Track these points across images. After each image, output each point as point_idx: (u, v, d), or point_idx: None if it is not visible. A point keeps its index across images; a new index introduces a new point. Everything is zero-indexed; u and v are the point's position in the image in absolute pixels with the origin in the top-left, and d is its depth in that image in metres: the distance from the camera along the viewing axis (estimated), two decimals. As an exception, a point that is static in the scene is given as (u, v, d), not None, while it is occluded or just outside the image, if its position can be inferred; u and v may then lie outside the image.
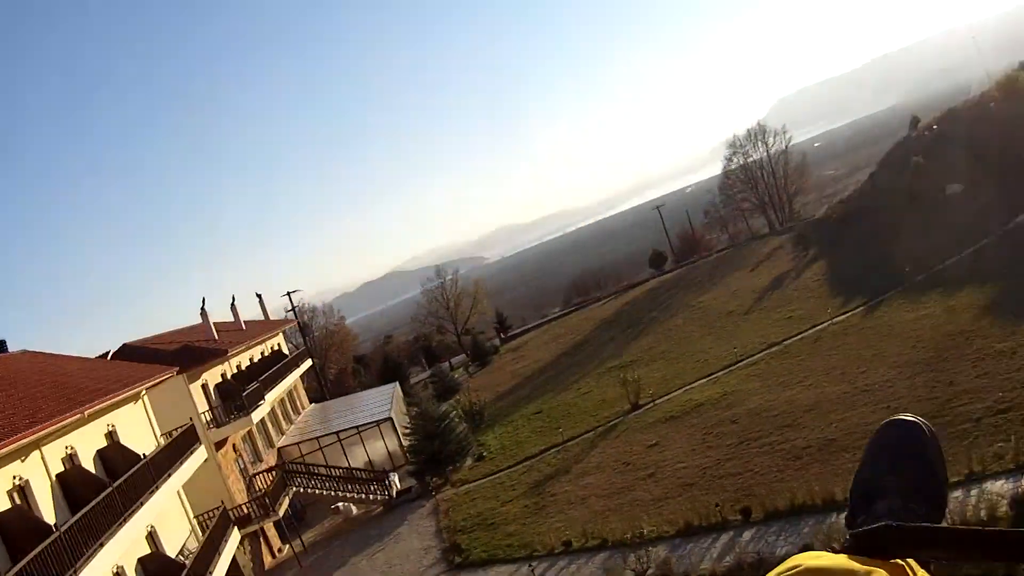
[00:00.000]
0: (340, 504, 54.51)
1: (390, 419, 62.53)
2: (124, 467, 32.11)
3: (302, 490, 55.65)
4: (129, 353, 48.98)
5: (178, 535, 38.80)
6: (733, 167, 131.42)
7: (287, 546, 52.92)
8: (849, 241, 76.52)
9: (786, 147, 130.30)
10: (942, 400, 35.20)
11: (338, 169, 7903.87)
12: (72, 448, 31.03)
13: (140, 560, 32.75)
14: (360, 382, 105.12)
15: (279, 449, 61.62)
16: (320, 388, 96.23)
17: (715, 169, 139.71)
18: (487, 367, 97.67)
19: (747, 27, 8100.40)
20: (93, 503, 27.08)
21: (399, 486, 56.01)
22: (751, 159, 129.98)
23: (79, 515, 25.88)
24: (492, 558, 38.93)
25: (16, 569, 21.58)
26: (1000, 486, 26.84)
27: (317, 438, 62.26)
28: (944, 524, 2.21)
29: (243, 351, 62.38)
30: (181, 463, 37.69)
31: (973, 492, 27.00)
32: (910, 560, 2.04)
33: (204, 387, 52.35)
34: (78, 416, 29.86)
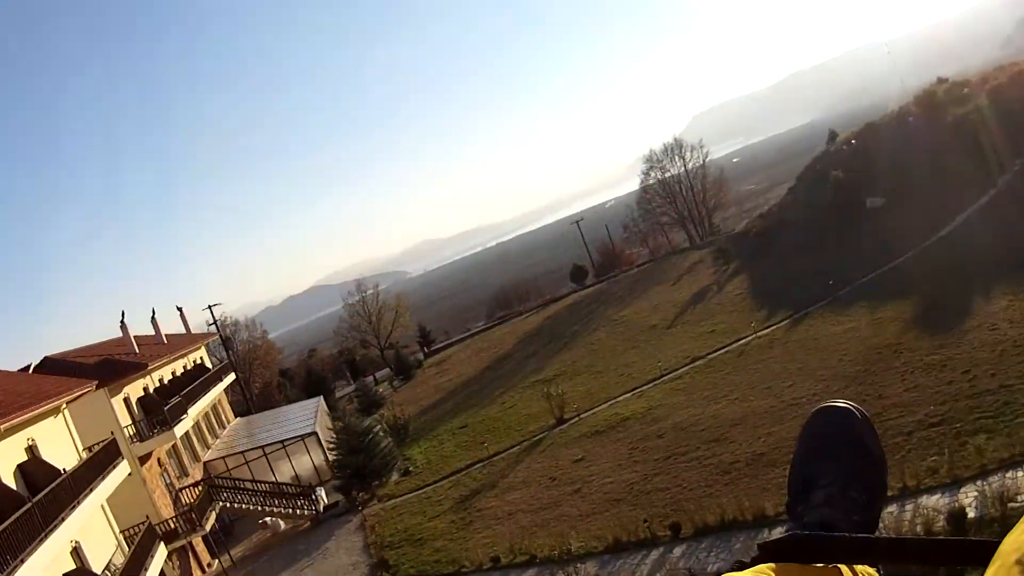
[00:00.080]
0: (268, 519, 54.11)
1: (315, 433, 62.15)
2: (46, 482, 31.71)
3: (229, 505, 55.12)
4: (51, 366, 48.30)
5: (104, 550, 38.29)
6: (651, 182, 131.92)
7: (216, 561, 52.43)
8: (770, 255, 77.34)
9: (703, 162, 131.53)
10: (872, 414, 34.87)
11: (258, 183, 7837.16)
12: (-8, 462, 30.59)
13: (65, 575, 32.30)
14: (286, 396, 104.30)
15: (205, 463, 60.93)
16: (245, 402, 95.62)
17: (634, 184, 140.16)
18: (411, 381, 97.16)
19: (665, 44, 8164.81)
20: (12, 518, 26.69)
21: (326, 501, 55.74)
22: (669, 174, 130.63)
23: (-2, 531, 25.51)
24: (421, 574, 38.82)
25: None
26: (936, 501, 26.87)
27: (243, 452, 61.72)
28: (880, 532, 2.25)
29: (165, 364, 61.65)
30: (103, 477, 37.23)
31: (908, 507, 27.02)
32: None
33: (126, 401, 51.70)
34: (-4, 430, 29.45)
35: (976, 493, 26.37)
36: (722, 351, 56.00)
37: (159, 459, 53.01)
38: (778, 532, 2.16)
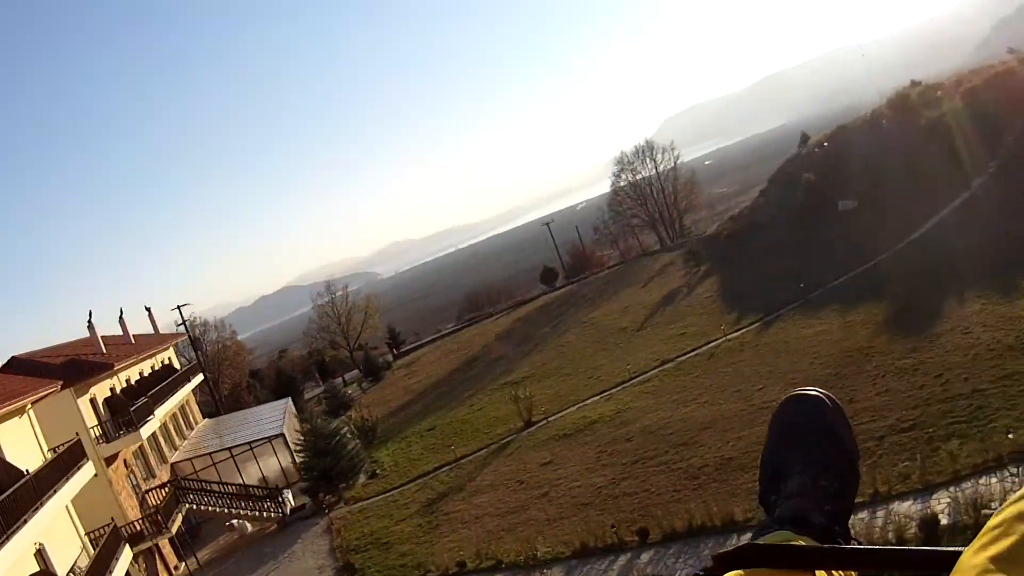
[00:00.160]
0: (235, 521, 53.88)
1: (282, 435, 61.92)
2: (9, 483, 31.49)
3: (196, 507, 54.91)
4: (17, 366, 47.95)
5: (70, 552, 38.09)
6: (622, 184, 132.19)
7: (183, 564, 52.20)
8: (741, 257, 77.22)
9: (675, 164, 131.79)
10: (843, 416, 35.27)
11: (233, 183, 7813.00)
12: (-45, 463, 30.36)
13: (29, 577, 32.08)
14: (255, 397, 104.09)
15: (172, 465, 60.58)
16: (214, 403, 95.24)
17: (606, 186, 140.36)
18: (380, 383, 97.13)
19: (640, 46, 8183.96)
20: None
21: (293, 503, 55.64)
22: (640, 176, 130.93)
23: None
24: (386, 579, 38.68)
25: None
26: (908, 507, 26.63)
27: (210, 454, 61.39)
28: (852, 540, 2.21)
29: (132, 365, 61.33)
30: (68, 479, 37.03)
31: (880, 513, 26.77)
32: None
33: (93, 401, 51.42)
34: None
35: (949, 499, 26.22)
36: (692, 354, 55.58)
37: (125, 460, 52.70)
38: (747, 538, 2.08)
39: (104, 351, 57.07)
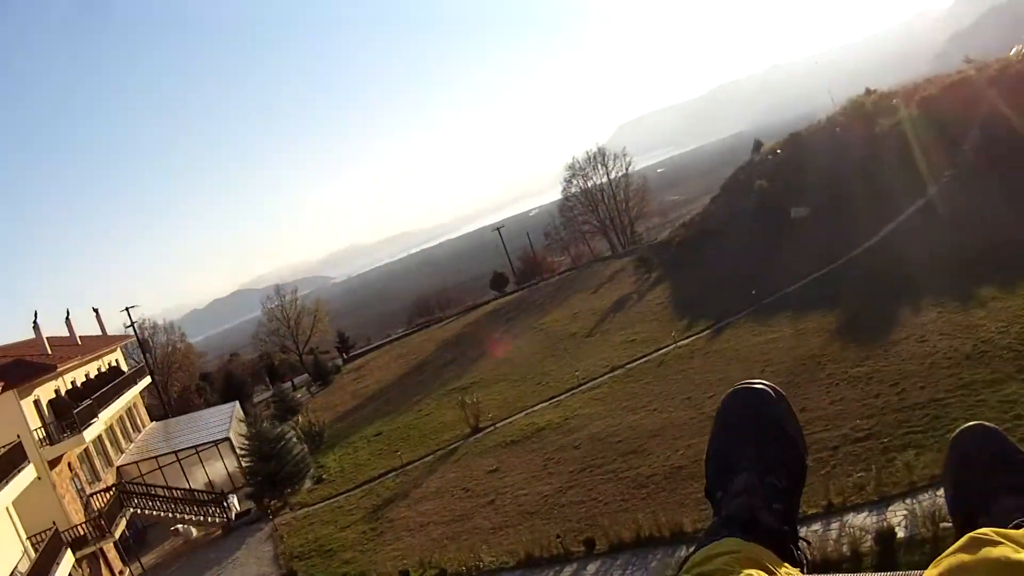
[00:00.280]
0: (180, 526, 53.64)
1: (228, 439, 61.58)
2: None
3: (140, 511, 54.41)
4: (-40, 367, 47.49)
5: (11, 556, 37.79)
6: (573, 190, 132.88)
7: (128, 569, 51.74)
8: (693, 264, 77.73)
9: (627, 171, 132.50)
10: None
11: (186, 182, 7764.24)
12: None
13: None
14: (205, 400, 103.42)
15: (118, 468, 60.00)
16: (163, 406, 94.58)
17: (559, 193, 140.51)
18: (329, 387, 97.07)
19: (596, 52, 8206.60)
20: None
21: (238, 508, 55.41)
22: (592, 183, 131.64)
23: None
24: (328, 587, 38.51)
25: None
26: (863, 519, 26.28)
27: (156, 457, 60.88)
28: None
29: (78, 366, 60.61)
30: (7, 482, 36.72)
31: (834, 526, 26.42)
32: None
33: (37, 403, 50.82)
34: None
35: (906, 512, 25.85)
36: (642, 360, 55.76)
37: (70, 463, 52.15)
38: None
39: (49, 352, 56.44)
